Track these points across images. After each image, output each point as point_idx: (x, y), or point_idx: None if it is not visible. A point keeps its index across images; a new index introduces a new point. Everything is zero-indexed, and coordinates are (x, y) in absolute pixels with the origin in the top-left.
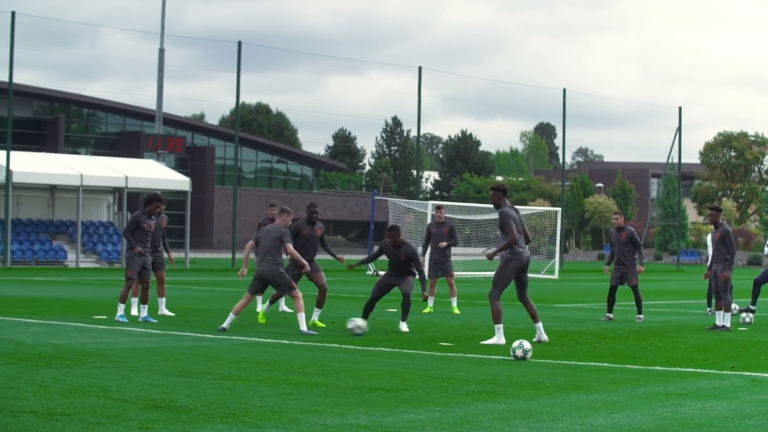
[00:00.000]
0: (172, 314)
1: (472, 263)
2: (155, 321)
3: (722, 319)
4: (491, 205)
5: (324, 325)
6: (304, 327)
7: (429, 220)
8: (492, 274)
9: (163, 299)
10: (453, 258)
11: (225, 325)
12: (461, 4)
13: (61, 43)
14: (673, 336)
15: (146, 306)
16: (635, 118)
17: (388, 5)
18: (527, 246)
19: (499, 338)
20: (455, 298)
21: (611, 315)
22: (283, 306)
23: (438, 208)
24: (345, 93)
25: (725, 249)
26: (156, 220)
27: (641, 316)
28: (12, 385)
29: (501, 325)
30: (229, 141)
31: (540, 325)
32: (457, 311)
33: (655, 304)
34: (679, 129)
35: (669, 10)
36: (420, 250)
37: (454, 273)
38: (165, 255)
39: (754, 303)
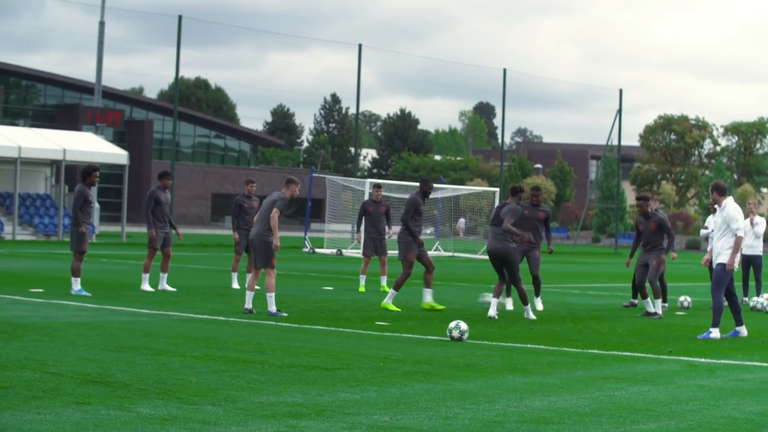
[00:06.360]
0: (173, 289)
1: None
2: (89, 294)
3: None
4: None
5: (442, 307)
6: (272, 308)
7: (366, 198)
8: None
9: (165, 275)
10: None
11: (248, 305)
12: None
13: (2, 13)
14: (610, 319)
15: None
16: (576, 99)
17: None
18: None
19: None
20: (385, 277)
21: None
22: (235, 283)
23: (377, 186)
24: (285, 69)
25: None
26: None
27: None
28: None
29: None
30: (168, 115)
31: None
32: (386, 289)
33: (592, 287)
34: (620, 111)
35: None
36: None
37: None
38: (172, 231)
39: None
